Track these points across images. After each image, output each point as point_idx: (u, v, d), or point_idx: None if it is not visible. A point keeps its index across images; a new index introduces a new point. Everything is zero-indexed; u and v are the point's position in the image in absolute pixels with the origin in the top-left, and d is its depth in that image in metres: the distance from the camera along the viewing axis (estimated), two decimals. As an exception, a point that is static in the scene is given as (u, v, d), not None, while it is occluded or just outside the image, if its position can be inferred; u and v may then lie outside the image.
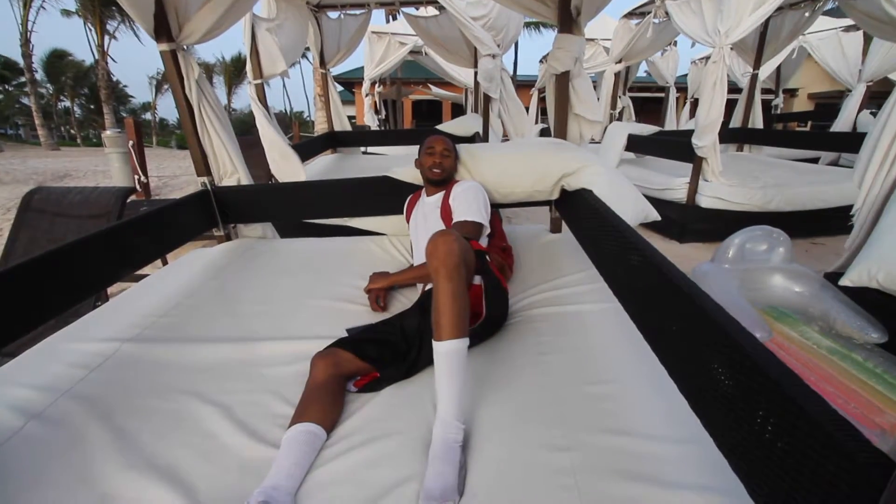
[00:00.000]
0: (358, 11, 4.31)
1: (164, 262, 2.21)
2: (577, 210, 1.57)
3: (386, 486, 0.87)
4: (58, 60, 25.41)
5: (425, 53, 6.59)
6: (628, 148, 4.75)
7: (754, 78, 5.10)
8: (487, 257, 1.50)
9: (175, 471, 0.93)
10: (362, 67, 6.37)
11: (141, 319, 1.46)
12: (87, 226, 1.84)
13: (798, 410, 0.48)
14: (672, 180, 3.75)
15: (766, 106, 6.61)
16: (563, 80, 1.76)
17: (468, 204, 1.57)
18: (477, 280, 1.34)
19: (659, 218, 1.60)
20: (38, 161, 8.99)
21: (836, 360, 1.80)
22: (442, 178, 1.68)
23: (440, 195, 1.70)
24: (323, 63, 4.46)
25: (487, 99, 3.20)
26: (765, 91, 6.93)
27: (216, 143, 1.94)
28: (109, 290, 2.07)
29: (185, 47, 1.79)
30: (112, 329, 1.40)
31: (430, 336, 1.24)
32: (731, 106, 5.76)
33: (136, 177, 5.49)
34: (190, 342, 1.36)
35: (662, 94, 7.55)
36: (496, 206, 1.84)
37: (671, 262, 0.90)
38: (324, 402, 1.09)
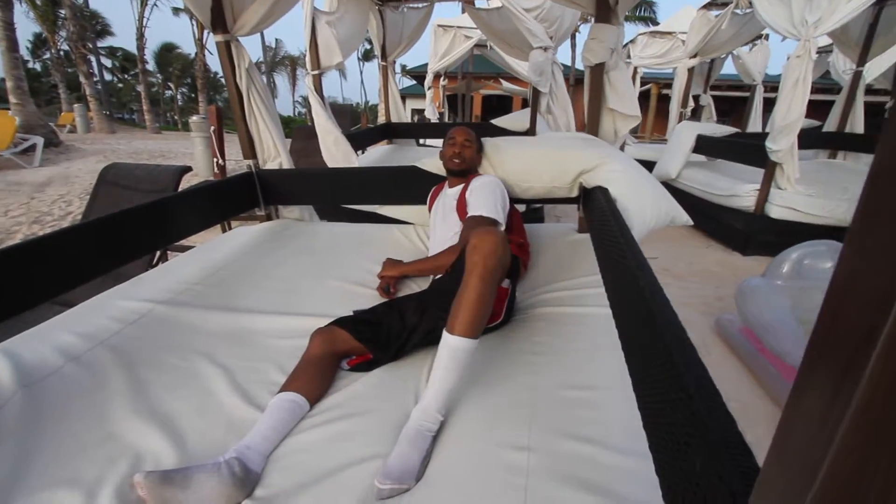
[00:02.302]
0: (421, 4, 4.37)
1: (224, 230, 2.42)
2: (592, 209, 1.50)
3: (349, 461, 0.90)
4: (167, 53, 28.37)
5: (490, 47, 6.54)
6: (697, 150, 4.41)
7: (857, 76, 4.51)
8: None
9: (172, 421, 1.03)
10: (431, 62, 6.44)
11: (177, 285, 1.61)
12: (149, 199, 2.06)
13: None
14: (739, 186, 3.43)
15: (877, 109, 5.78)
16: (597, 72, 1.67)
17: (484, 199, 1.55)
18: (505, 283, 1.32)
19: (691, 222, 1.48)
20: (140, 142, 10.13)
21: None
22: (462, 169, 1.68)
23: (460, 188, 1.70)
24: (384, 55, 4.59)
25: (537, 93, 3.12)
26: (877, 92, 6.07)
27: (262, 129, 2.08)
28: (170, 257, 2.30)
29: (237, 39, 1.93)
30: (151, 291, 1.56)
31: (425, 325, 1.26)
32: (827, 108, 5.14)
33: (215, 160, 6.02)
34: (212, 309, 1.48)
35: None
36: (516, 202, 1.81)
37: (657, 281, 0.82)
38: (313, 376, 1.14)
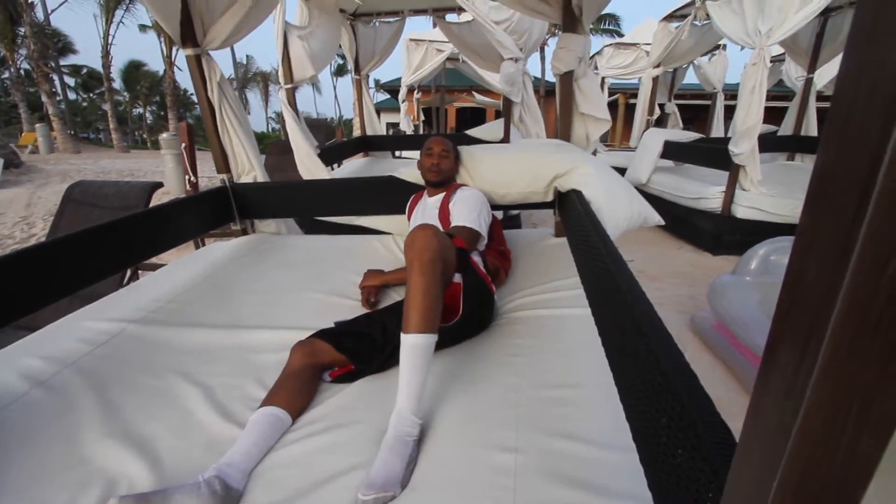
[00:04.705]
0: (393, 19, 4.43)
1: (197, 247, 2.36)
2: (567, 213, 1.53)
3: (332, 473, 0.88)
4: (134, 70, 27.70)
5: (462, 61, 6.65)
6: (665, 155, 4.56)
7: (809, 82, 4.76)
8: (478, 258, 1.49)
9: (147, 443, 0.99)
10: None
11: (150, 304, 1.56)
12: (118, 216, 2.00)
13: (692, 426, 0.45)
14: (706, 189, 3.57)
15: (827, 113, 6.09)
16: (566, 80, 1.73)
17: (468, 211, 1.57)
18: (457, 278, 1.33)
19: (662, 222, 1.53)
20: (108, 161, 9.84)
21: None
22: (440, 180, 1.69)
23: (440, 196, 1.71)
24: (357, 69, 4.61)
25: (509, 103, 3.19)
26: (826, 98, 6.41)
27: (235, 142, 2.06)
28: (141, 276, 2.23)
29: (208, 52, 1.92)
30: (122, 311, 1.51)
31: (407, 331, 1.26)
32: (782, 114, 5.40)
33: (187, 177, 5.88)
34: (188, 327, 1.44)
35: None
36: (495, 209, 1.83)
37: (633, 276, 0.85)
38: (294, 389, 1.12)
